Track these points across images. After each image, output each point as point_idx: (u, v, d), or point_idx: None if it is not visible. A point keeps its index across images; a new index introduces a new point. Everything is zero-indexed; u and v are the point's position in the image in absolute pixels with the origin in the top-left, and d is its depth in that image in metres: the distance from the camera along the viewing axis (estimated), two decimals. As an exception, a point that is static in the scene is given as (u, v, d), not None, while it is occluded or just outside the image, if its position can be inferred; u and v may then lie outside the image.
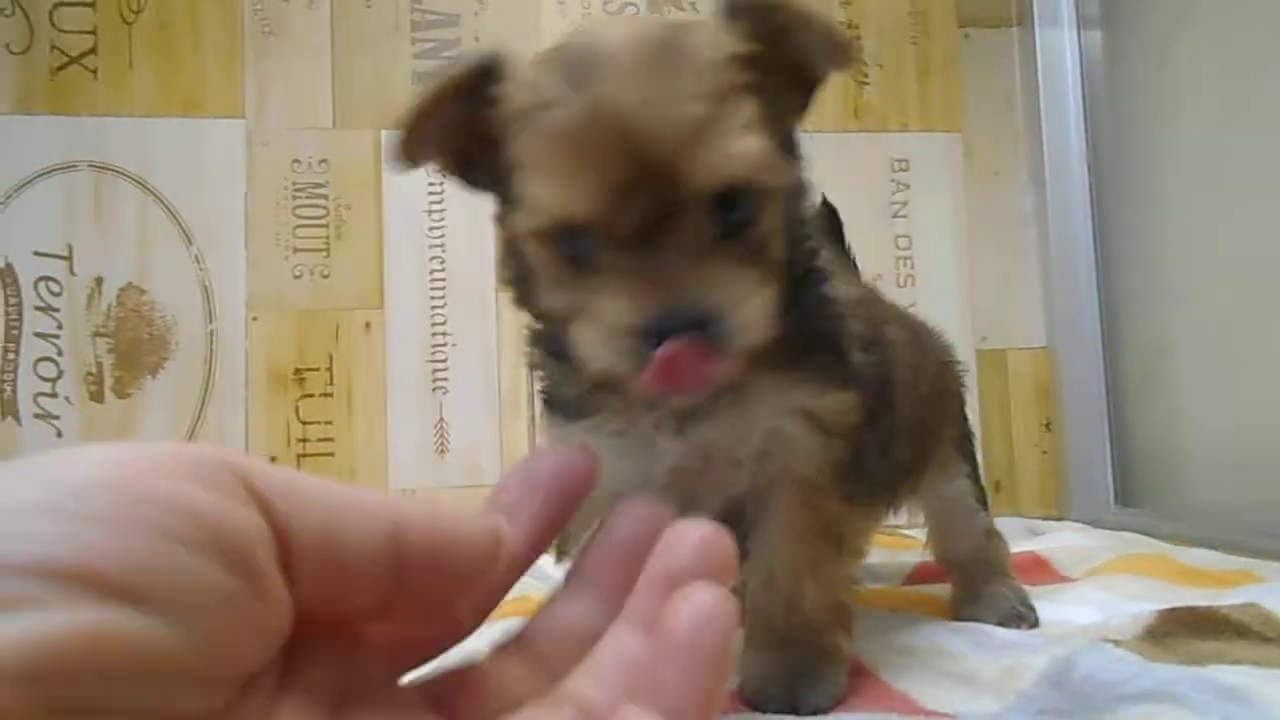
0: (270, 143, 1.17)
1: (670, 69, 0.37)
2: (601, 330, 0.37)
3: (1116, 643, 0.48)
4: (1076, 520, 1.17)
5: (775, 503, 0.46)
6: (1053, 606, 0.62)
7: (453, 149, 0.43)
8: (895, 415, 0.53)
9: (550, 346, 0.46)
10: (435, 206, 1.19)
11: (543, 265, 0.41)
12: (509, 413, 1.18)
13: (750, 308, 0.37)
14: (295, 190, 1.17)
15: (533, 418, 1.18)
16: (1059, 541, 0.84)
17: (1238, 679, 0.42)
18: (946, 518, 0.65)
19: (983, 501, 0.66)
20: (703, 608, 0.21)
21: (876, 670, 0.48)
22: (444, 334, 1.18)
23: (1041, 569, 0.74)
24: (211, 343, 1.14)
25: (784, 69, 0.41)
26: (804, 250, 0.46)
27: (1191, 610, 0.52)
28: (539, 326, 0.47)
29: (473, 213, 1.19)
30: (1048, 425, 1.27)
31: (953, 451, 0.64)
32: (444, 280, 1.19)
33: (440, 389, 1.18)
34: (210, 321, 1.14)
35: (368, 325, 1.17)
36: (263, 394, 1.15)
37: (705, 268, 0.36)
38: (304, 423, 1.15)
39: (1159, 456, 1.18)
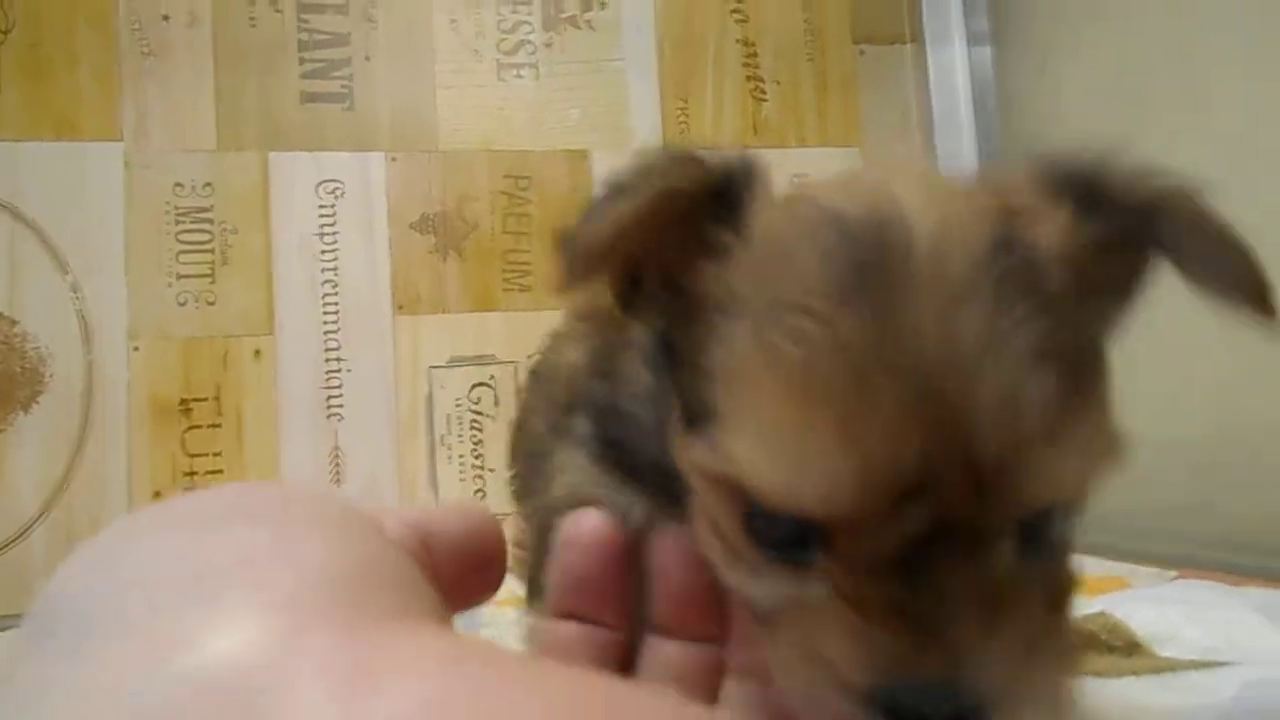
0: (151, 166, 1.13)
1: (1012, 303, 0.23)
2: (812, 677, 0.24)
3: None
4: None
5: None
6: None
7: (631, 266, 0.29)
8: None
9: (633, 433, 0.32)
10: (327, 229, 1.16)
11: (719, 521, 0.27)
12: (406, 439, 1.15)
13: (1048, 694, 0.23)
14: (178, 215, 1.13)
15: (431, 443, 1.16)
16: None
17: (1070, 692, 0.42)
18: None
19: None
20: None
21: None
22: (338, 359, 1.15)
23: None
24: (90, 375, 1.09)
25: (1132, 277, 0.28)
26: None
27: (1043, 621, 0.52)
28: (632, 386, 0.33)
29: (367, 235, 1.17)
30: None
31: None
32: (337, 304, 1.16)
33: (335, 416, 1.14)
34: (88, 352, 1.10)
35: (257, 352, 1.13)
36: (146, 427, 1.10)
37: (998, 626, 0.22)
38: (190, 455, 1.11)
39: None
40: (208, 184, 1.14)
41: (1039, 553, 0.24)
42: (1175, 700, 0.40)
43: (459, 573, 0.24)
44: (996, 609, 0.22)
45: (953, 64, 1.29)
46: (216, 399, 1.12)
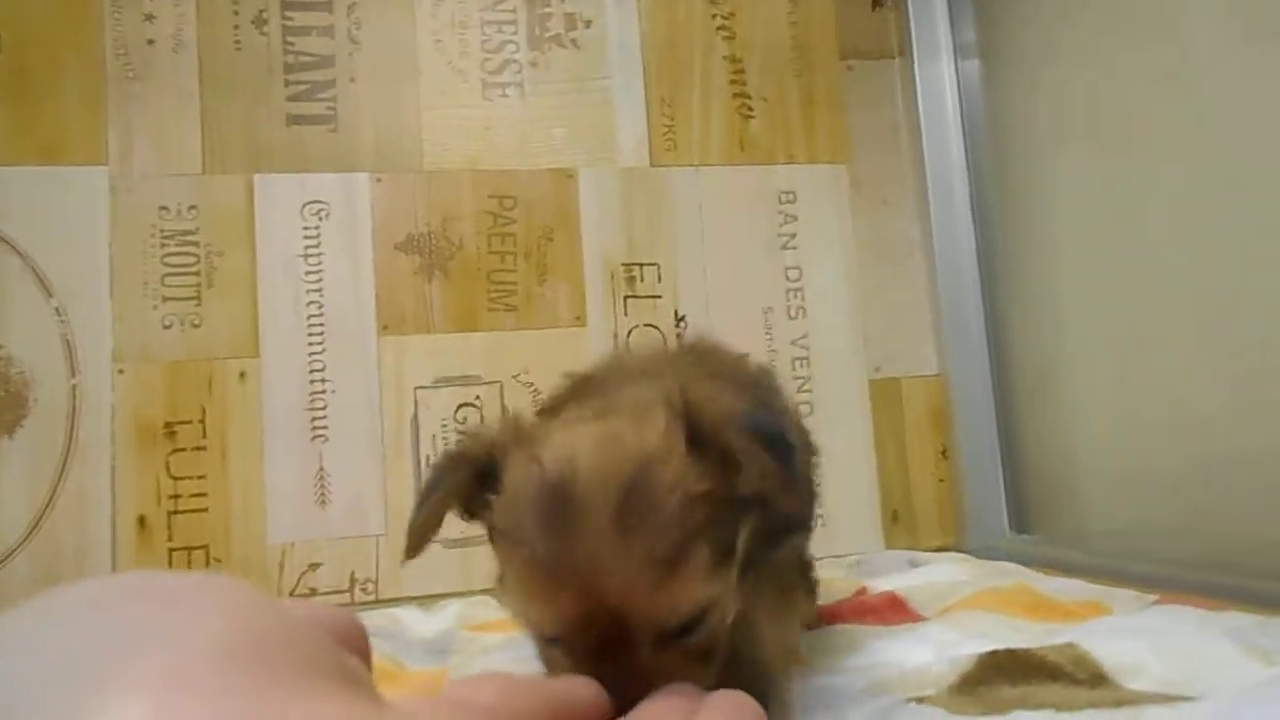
0: (136, 190, 1.13)
1: (633, 520, 0.41)
2: None
3: (920, 699, 0.47)
4: (973, 548, 1.17)
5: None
6: (890, 648, 0.60)
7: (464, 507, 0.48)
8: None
9: None
10: (311, 250, 1.16)
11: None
12: (393, 459, 1.15)
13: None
14: (163, 238, 1.13)
15: (418, 463, 1.15)
16: (925, 577, 0.82)
17: (1027, 729, 0.41)
18: None
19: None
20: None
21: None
22: (323, 380, 1.15)
23: (896, 609, 0.73)
24: (74, 398, 1.09)
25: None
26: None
27: (1010, 654, 0.51)
28: None
29: (352, 256, 1.17)
30: (944, 453, 1.27)
31: None
32: (322, 325, 1.15)
33: (320, 437, 1.14)
34: (73, 376, 1.10)
35: (242, 375, 1.13)
36: (130, 450, 1.10)
37: (649, 679, 0.40)
38: (175, 478, 1.10)
39: (1050, 480, 1.18)
40: (193, 207, 1.14)
41: (682, 641, 0.42)
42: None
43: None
44: (641, 677, 0.40)
45: (941, 79, 1.28)
46: (201, 422, 1.12)
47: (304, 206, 1.17)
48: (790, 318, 1.26)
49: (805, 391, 1.25)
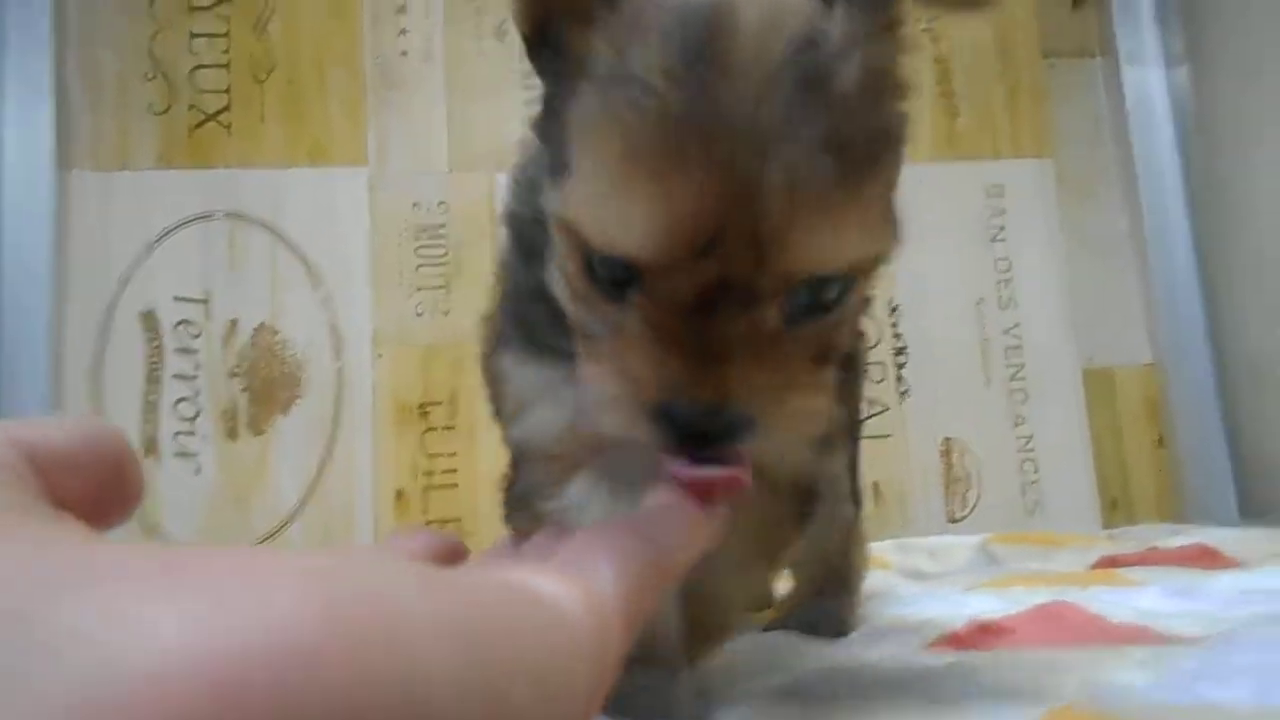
0: (391, 188, 1.22)
1: (807, 97, 0.26)
2: (618, 389, 0.29)
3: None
4: (1200, 535, 1.17)
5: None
6: (1257, 581, 0.61)
7: (544, 10, 0.32)
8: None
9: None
10: (549, 244, 1.23)
11: (566, 263, 0.31)
12: (626, 441, 1.20)
13: (798, 420, 0.29)
14: (417, 231, 1.22)
15: (649, 446, 1.20)
16: (1215, 537, 0.83)
17: None
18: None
19: (855, 498, 0.57)
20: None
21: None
22: (561, 366, 1.21)
23: (1213, 558, 0.74)
24: (339, 379, 1.18)
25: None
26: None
27: None
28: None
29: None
30: (1160, 442, 1.27)
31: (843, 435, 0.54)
32: (559, 314, 1.22)
33: (558, 420, 1.20)
34: (338, 359, 1.18)
35: (487, 359, 1.20)
36: (389, 428, 1.17)
37: (762, 365, 0.28)
38: (429, 455, 1.17)
39: (1280, 468, 1.17)
40: (442, 202, 1.23)
41: (813, 314, 0.29)
42: None
43: (82, 489, 0.21)
44: (760, 354, 0.28)
45: (1147, 82, 1.30)
46: (452, 403, 1.19)
47: (542, 203, 1.24)
48: (1001, 308, 1.28)
49: (1018, 380, 1.27)
